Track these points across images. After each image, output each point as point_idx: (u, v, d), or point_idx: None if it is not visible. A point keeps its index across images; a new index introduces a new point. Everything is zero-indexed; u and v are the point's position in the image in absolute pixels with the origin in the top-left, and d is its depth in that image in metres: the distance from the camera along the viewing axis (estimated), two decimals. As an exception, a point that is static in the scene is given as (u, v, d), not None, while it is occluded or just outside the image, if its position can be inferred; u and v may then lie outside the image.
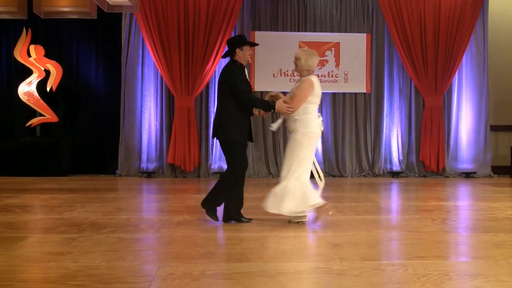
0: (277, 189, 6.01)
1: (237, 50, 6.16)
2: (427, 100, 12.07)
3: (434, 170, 12.12)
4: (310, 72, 6.20)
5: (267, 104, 6.15)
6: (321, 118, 6.20)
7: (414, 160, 12.28)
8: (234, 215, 6.20)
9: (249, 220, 6.23)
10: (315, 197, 6.01)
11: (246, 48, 6.20)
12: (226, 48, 6.43)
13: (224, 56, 6.56)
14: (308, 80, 6.07)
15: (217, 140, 6.40)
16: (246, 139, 6.22)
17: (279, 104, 6.07)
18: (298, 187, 5.97)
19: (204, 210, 6.18)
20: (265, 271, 4.11)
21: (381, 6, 12.02)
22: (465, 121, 12.33)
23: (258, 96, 6.09)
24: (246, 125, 6.17)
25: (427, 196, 9.01)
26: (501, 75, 12.63)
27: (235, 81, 6.02)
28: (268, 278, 3.95)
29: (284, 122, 6.33)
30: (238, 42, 6.23)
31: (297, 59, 6.20)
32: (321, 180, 6.25)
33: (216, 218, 6.14)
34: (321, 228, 6.00)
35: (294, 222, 6.14)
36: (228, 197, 6.19)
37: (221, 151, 11.46)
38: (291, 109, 6.06)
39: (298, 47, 11.96)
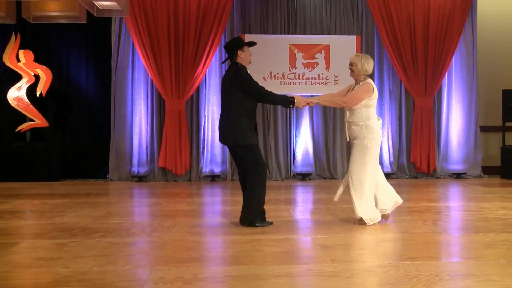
0: (358, 199, 6.17)
1: (239, 52, 6.16)
2: (417, 101, 12.12)
3: (425, 171, 12.16)
4: (366, 76, 6.26)
5: (286, 99, 6.18)
6: (380, 121, 6.35)
7: (405, 162, 12.30)
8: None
9: (270, 223, 6.21)
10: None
11: (246, 49, 6.22)
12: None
13: (224, 61, 6.55)
14: (369, 85, 6.21)
15: (225, 145, 6.36)
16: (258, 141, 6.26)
17: (298, 99, 6.18)
18: (372, 191, 6.20)
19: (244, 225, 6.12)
20: (257, 274, 4.11)
21: (370, 8, 12.06)
22: (455, 122, 12.38)
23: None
24: (255, 128, 6.21)
25: (418, 197, 9.03)
26: (490, 75, 12.70)
27: (248, 82, 6.05)
28: (261, 281, 3.95)
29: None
30: (238, 44, 6.22)
31: (353, 65, 6.29)
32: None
33: (269, 222, 6.15)
34: (313, 231, 6.02)
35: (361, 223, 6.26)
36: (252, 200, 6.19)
37: (216, 155, 11.41)
38: (312, 103, 6.35)
39: (289, 50, 11.99)
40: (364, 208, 6.15)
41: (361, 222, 6.22)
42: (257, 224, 6.05)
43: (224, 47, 6.39)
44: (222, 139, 6.24)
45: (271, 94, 6.15)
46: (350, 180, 6.23)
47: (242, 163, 6.18)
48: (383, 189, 6.35)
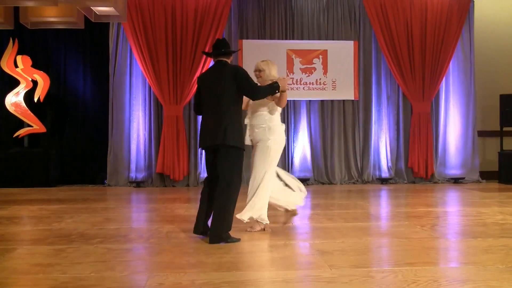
0: (252, 198, 6.03)
1: (232, 54, 6.10)
2: (415, 106, 12.13)
3: (423, 176, 12.16)
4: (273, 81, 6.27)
5: (272, 87, 5.89)
6: (284, 126, 6.27)
7: (403, 167, 12.30)
8: (202, 228, 5.88)
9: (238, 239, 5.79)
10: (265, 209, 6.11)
11: None
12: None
13: (209, 55, 6.23)
14: None
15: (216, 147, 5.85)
16: None
17: (282, 82, 5.93)
18: (267, 194, 6.05)
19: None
20: (255, 280, 4.11)
21: (368, 13, 12.09)
22: (453, 126, 12.40)
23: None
24: None
25: (416, 202, 9.03)
26: (488, 80, 12.72)
27: (248, 78, 5.81)
28: (258, 287, 3.95)
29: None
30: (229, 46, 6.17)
31: (261, 71, 6.24)
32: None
33: (237, 239, 5.70)
34: (311, 236, 6.01)
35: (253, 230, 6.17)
36: (205, 209, 5.88)
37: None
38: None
39: (286, 55, 12.01)
40: (252, 208, 6.00)
41: (253, 229, 6.17)
42: (228, 240, 5.60)
43: (222, 41, 6.07)
44: (216, 139, 5.70)
45: (261, 88, 5.91)
46: (250, 182, 6.11)
47: (224, 168, 5.73)
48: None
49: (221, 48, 5.97)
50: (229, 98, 5.79)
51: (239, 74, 5.79)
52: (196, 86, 11.42)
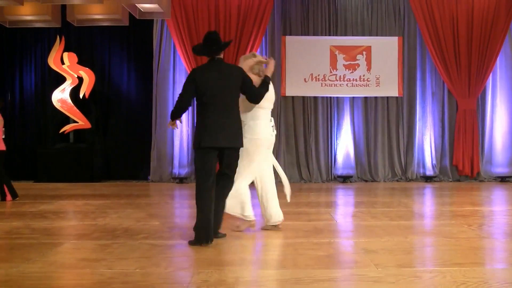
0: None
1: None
2: (461, 103, 11.92)
3: (468, 174, 11.96)
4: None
5: (266, 81, 5.58)
6: (272, 123, 5.88)
7: (448, 164, 12.12)
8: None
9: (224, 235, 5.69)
10: (249, 210, 5.90)
11: None
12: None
13: (217, 50, 5.52)
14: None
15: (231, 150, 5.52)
16: None
17: (270, 70, 5.67)
18: (238, 191, 5.81)
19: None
20: (300, 279, 4.07)
21: (412, 8, 11.92)
22: (499, 124, 12.15)
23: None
24: None
25: (462, 201, 8.88)
26: (536, 77, 12.43)
27: (251, 81, 5.51)
28: (304, 285, 3.91)
29: None
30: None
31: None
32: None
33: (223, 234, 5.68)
34: (355, 234, 5.95)
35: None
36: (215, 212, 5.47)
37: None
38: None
39: (330, 51, 11.93)
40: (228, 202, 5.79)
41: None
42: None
43: (217, 34, 5.60)
44: (239, 142, 5.49)
45: (259, 88, 5.55)
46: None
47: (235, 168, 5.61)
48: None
49: (221, 48, 5.55)
50: (237, 101, 5.54)
51: (247, 79, 5.48)
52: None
